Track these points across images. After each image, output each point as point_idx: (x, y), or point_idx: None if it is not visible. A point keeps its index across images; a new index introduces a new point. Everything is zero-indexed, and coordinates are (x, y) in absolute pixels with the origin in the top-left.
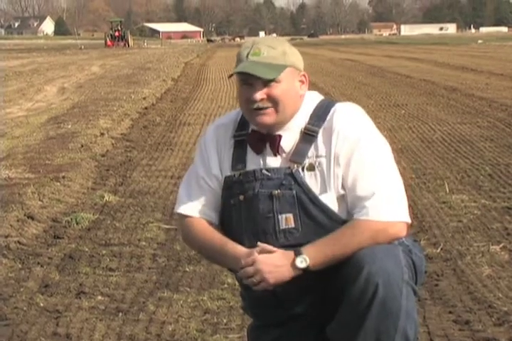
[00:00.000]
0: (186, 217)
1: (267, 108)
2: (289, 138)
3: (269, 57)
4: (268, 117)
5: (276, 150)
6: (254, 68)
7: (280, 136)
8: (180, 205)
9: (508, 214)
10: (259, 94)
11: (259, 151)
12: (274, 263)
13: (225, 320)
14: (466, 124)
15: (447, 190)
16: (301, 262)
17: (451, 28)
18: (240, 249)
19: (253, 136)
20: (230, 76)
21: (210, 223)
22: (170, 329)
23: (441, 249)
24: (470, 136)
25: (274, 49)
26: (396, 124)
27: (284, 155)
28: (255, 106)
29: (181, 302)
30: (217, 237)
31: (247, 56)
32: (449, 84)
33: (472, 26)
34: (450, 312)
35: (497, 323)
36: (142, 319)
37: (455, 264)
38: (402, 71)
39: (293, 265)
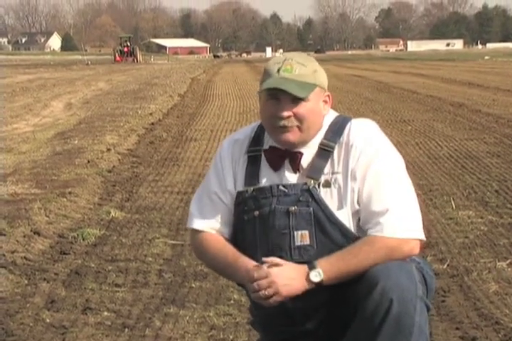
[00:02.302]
0: (199, 232)
1: (291, 126)
2: (308, 154)
3: (301, 75)
4: (292, 135)
5: (296, 167)
6: (287, 85)
7: (301, 154)
8: (192, 220)
9: None
10: (287, 112)
11: (278, 168)
12: (288, 276)
13: (231, 336)
14: (472, 140)
15: (454, 206)
16: (316, 276)
17: (458, 44)
18: (251, 264)
19: (272, 152)
20: (261, 90)
21: (223, 238)
22: None
23: (448, 265)
24: (477, 152)
25: (305, 67)
26: (402, 140)
27: (300, 171)
28: (281, 123)
29: (187, 318)
30: (230, 251)
31: (278, 71)
32: (456, 100)
33: (479, 42)
34: (457, 329)
35: (504, 340)
36: (148, 335)
37: (462, 280)
38: (408, 87)
39: (307, 278)
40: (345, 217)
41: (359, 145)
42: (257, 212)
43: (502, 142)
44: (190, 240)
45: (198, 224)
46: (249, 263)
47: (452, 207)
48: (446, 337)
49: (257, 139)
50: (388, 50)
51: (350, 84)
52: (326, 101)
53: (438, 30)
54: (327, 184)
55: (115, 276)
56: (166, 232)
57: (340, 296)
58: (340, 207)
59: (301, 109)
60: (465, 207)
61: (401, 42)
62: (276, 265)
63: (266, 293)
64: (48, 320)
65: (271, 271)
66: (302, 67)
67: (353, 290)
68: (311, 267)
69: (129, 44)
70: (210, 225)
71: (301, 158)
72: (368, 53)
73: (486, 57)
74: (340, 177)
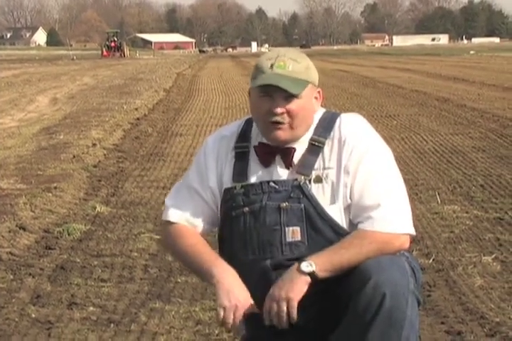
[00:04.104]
0: (172, 223)
1: (284, 123)
2: (298, 150)
3: (294, 71)
4: (283, 133)
5: (289, 163)
6: (281, 81)
7: (294, 149)
8: (167, 212)
9: (500, 225)
10: (281, 108)
11: (268, 164)
12: (286, 281)
13: (216, 331)
14: (458, 135)
15: (439, 201)
16: (307, 266)
17: (443, 39)
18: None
19: (262, 148)
20: (254, 87)
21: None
22: (162, 340)
23: (433, 259)
24: (462, 147)
25: (298, 63)
26: (388, 135)
27: (291, 167)
28: (273, 119)
29: (173, 313)
30: (205, 250)
31: (271, 68)
32: (441, 95)
33: (464, 37)
34: (442, 323)
35: (489, 334)
36: (134, 330)
37: (447, 275)
38: (394, 82)
39: (298, 269)
40: (337, 212)
41: (351, 141)
42: (246, 209)
43: (487, 137)
44: (161, 231)
45: (172, 216)
46: (226, 276)
47: (437, 202)
48: (432, 331)
49: (243, 135)
50: (374, 45)
51: (335, 79)
52: (317, 98)
53: (423, 25)
54: (318, 179)
55: (101, 271)
56: (151, 227)
57: (331, 291)
58: (333, 202)
59: (294, 105)
60: (450, 202)
61: (386, 37)
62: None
63: (279, 312)
64: (33, 315)
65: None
66: (295, 64)
67: (345, 285)
68: (300, 261)
69: (116, 39)
70: (185, 218)
71: (293, 154)
72: (354, 48)
73: (472, 52)
74: (332, 172)
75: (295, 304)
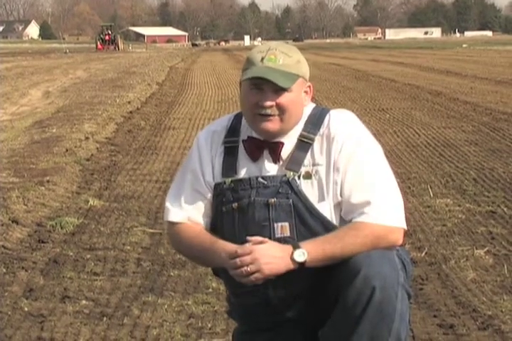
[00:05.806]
0: (174, 223)
1: (273, 115)
2: (287, 146)
3: (285, 65)
4: (272, 124)
5: (277, 157)
6: (271, 74)
7: (282, 144)
8: (168, 213)
9: (493, 218)
10: (270, 101)
11: (256, 158)
12: (272, 254)
13: (209, 325)
14: (450, 128)
15: (431, 194)
16: (299, 256)
17: (436, 32)
18: (230, 245)
19: (250, 142)
20: (245, 79)
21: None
22: (154, 333)
23: (426, 253)
24: (454, 140)
25: (289, 57)
26: (381, 128)
27: (280, 162)
28: (262, 112)
29: (166, 306)
30: (206, 236)
31: (262, 61)
32: (434, 89)
33: (457, 30)
34: (434, 316)
35: (481, 327)
36: (127, 323)
37: (439, 268)
38: (386, 75)
39: (291, 258)
40: (326, 208)
41: (340, 138)
42: (235, 204)
43: (480, 130)
44: (167, 232)
45: (174, 216)
46: (227, 244)
47: (430, 195)
48: (424, 324)
49: (233, 130)
50: (366, 39)
51: (328, 72)
52: (307, 92)
53: (416, 19)
54: (308, 176)
55: (93, 265)
56: (144, 221)
57: (321, 284)
58: (322, 198)
59: (284, 99)
60: (443, 195)
61: (379, 30)
62: (261, 243)
63: (248, 269)
64: (26, 309)
65: (255, 247)
66: (286, 57)
67: (335, 278)
68: (295, 246)
69: (110, 32)
70: (186, 216)
71: (281, 148)
72: (347, 42)
73: (464, 46)
74: (321, 169)
75: (261, 276)
